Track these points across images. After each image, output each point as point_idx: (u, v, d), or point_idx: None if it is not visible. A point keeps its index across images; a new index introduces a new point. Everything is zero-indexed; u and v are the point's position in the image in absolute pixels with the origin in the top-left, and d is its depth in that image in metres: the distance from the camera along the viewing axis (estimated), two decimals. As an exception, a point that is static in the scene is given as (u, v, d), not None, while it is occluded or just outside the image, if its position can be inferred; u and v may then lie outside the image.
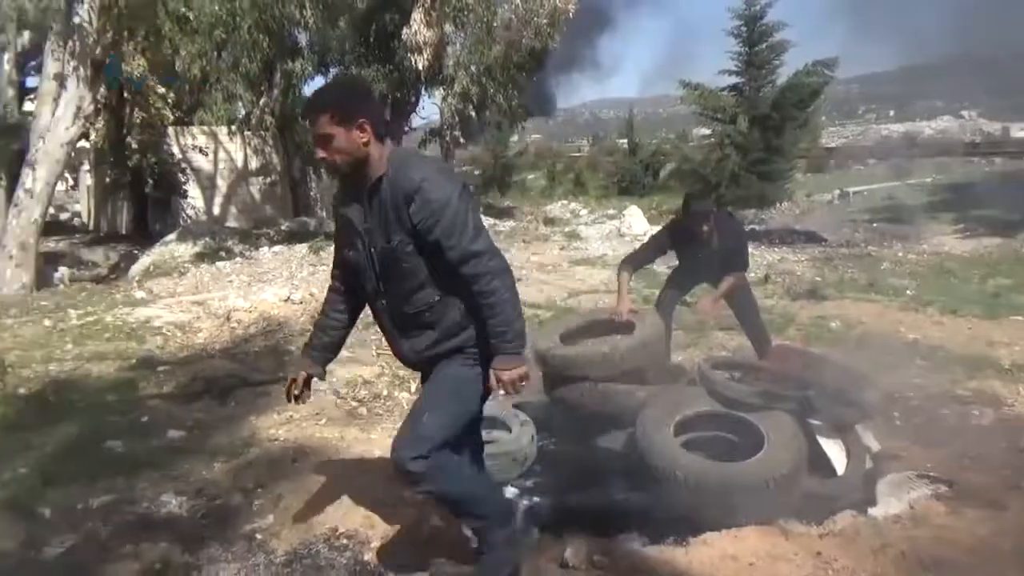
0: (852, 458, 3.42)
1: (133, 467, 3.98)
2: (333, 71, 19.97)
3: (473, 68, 17.82)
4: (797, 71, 17.95)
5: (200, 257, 12.53)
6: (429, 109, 33.00)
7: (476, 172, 29.00)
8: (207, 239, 13.57)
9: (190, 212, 18.17)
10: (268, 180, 19.59)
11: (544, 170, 31.56)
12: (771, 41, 18.35)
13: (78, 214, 22.91)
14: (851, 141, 38.06)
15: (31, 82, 17.92)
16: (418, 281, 2.37)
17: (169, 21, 13.61)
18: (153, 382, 5.74)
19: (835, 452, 3.44)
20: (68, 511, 3.44)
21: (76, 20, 11.17)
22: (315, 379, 2.76)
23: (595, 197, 23.98)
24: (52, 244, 15.65)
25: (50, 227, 14.23)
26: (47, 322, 7.89)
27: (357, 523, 3.16)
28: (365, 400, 5.25)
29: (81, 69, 11.19)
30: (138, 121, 16.04)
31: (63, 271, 12.58)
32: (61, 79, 11.39)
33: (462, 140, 20.41)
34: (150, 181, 17.09)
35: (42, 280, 11.32)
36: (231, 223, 17.83)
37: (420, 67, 17.59)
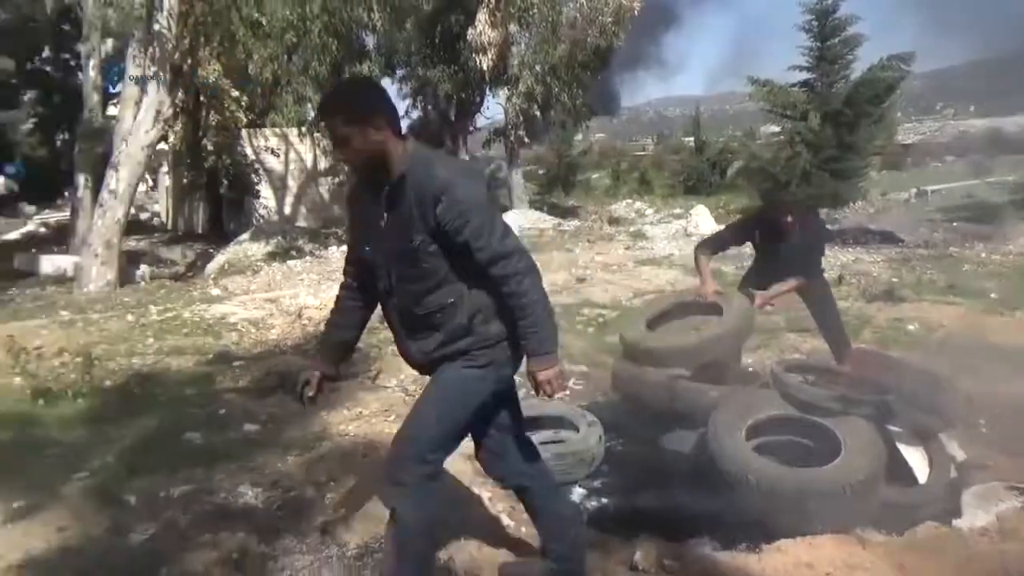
0: (935, 467, 3.30)
1: (211, 459, 4.10)
2: (400, 72, 20.30)
3: (538, 67, 17.83)
4: (871, 66, 17.35)
5: (272, 256, 12.88)
6: (493, 109, 33.13)
7: (540, 171, 29.04)
8: (279, 238, 13.93)
9: (262, 212, 18.68)
10: (336, 180, 19.98)
11: (608, 169, 31.39)
12: (844, 35, 17.78)
13: (157, 214, 23.82)
14: (928, 137, 36.72)
15: (114, 88, 18.74)
16: (434, 282, 2.31)
17: (243, 26, 13.98)
18: (229, 376, 5.93)
19: (917, 460, 3.32)
20: (151, 499, 3.57)
21: (156, 27, 11.61)
22: (335, 378, 2.71)
23: (661, 196, 23.74)
24: (133, 243, 16.30)
25: (131, 227, 14.82)
26: (130, 317, 8.23)
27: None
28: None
29: (161, 74, 11.62)
30: (213, 124, 16.51)
31: (144, 269, 13.11)
32: (142, 84, 11.86)
33: (526, 139, 20.45)
34: (225, 182, 17.62)
35: (125, 277, 11.81)
36: (301, 222, 18.28)
37: (485, 67, 17.71)
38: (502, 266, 2.24)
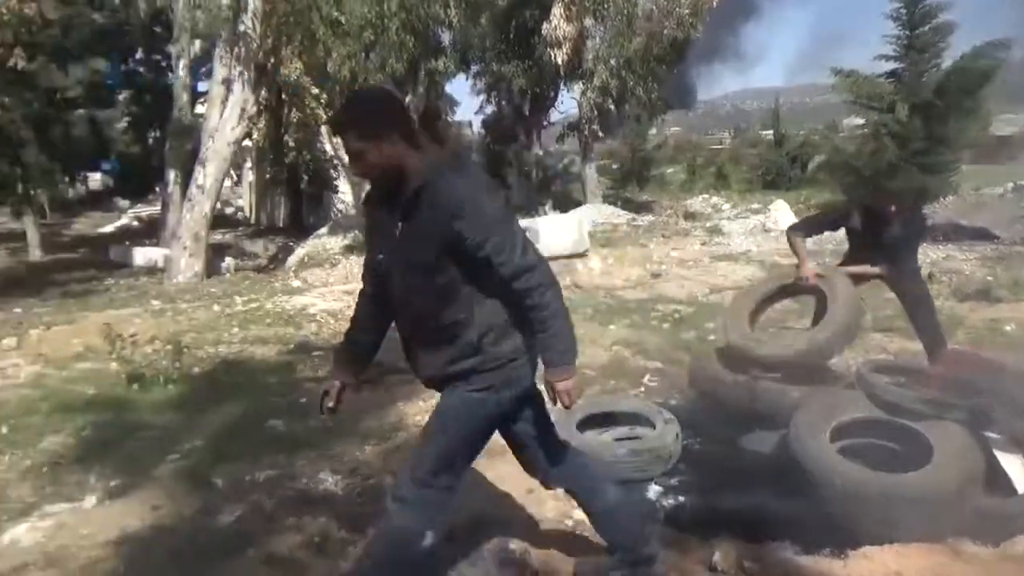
0: (1035, 475, 3.12)
1: (293, 446, 4.23)
2: (475, 68, 20.45)
3: (613, 61, 17.70)
4: (964, 54, 16.53)
5: (349, 249, 13.16)
6: (567, 103, 32.97)
7: (614, 166, 28.81)
8: (356, 232, 14.23)
9: (340, 206, 19.13)
10: (412, 176, 20.31)
11: (684, 164, 30.90)
12: (934, 23, 17.00)
13: (241, 208, 24.66)
14: (1026, 129, 34.77)
15: (202, 87, 19.49)
16: (446, 297, 2.26)
17: (323, 25, 14.33)
18: (309, 366, 6.10)
19: (1016, 469, 3.15)
20: (237, 483, 3.71)
21: (241, 28, 12.01)
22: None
23: (738, 191, 23.23)
24: (219, 236, 16.91)
25: (217, 220, 15.38)
26: (216, 307, 8.55)
27: (501, 511, 3.21)
28: (506, 391, 5.31)
29: (246, 73, 12.03)
30: (294, 121, 17.00)
31: (229, 261, 13.61)
32: (228, 83, 12.29)
33: (600, 134, 20.33)
34: (305, 177, 18.10)
35: (211, 269, 12.28)
36: (378, 217, 18.62)
37: (559, 61, 17.68)
38: (525, 279, 2.20)
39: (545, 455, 2.58)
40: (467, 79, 21.04)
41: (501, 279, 2.21)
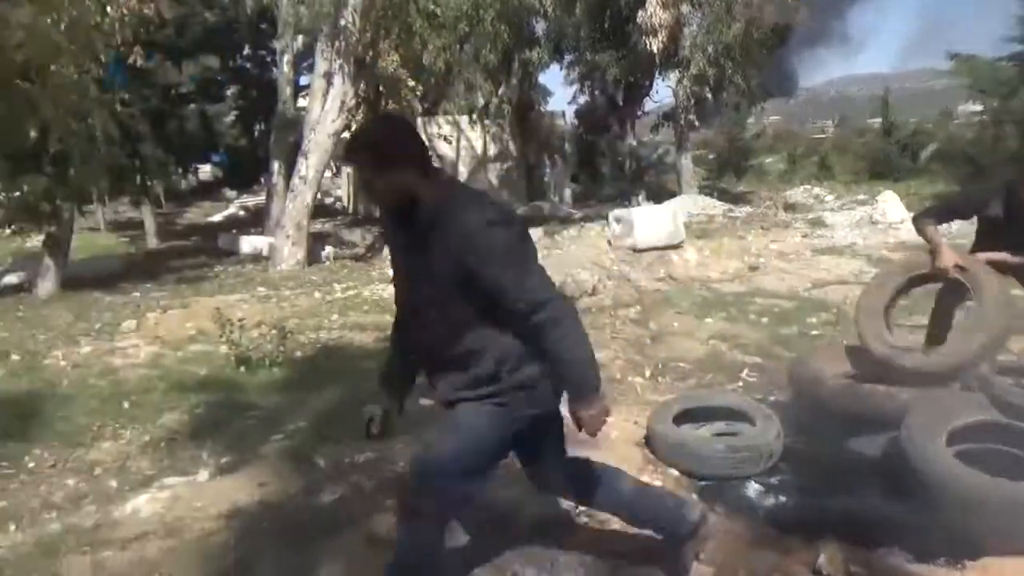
0: None
1: (389, 430, 4.33)
2: (568, 58, 20.33)
3: (710, 48, 17.23)
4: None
5: (443, 239, 13.35)
6: (662, 92, 32.34)
7: (710, 156, 28.15)
8: (449, 222, 14.41)
9: (434, 197, 19.44)
10: (505, 166, 20.42)
11: (784, 153, 29.84)
12: (1067, 0, 15.82)
13: (340, 198, 25.37)
14: None
15: (304, 81, 20.15)
16: (461, 327, 2.23)
17: (420, 18, 14.56)
18: (405, 353, 6.22)
19: None
20: (338, 464, 3.83)
21: (342, 23, 12.33)
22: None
23: (842, 182, 22.30)
24: (319, 225, 17.47)
25: (317, 210, 15.89)
26: (317, 294, 8.85)
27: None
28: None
29: (345, 67, 12.35)
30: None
31: (329, 250, 14.04)
32: (329, 77, 12.66)
33: (696, 123, 19.88)
34: (401, 168, 18.47)
35: (312, 257, 12.72)
36: (470, 207, 18.83)
37: (655, 50, 17.36)
38: (537, 316, 2.14)
39: (558, 478, 2.61)
40: (560, 69, 20.94)
41: (513, 313, 2.16)
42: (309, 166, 12.37)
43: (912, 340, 4.29)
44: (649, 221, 10.69)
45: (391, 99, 17.39)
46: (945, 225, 4.40)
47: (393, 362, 2.56)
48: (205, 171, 32.50)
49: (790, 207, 16.38)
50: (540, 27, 19.27)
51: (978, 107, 19.03)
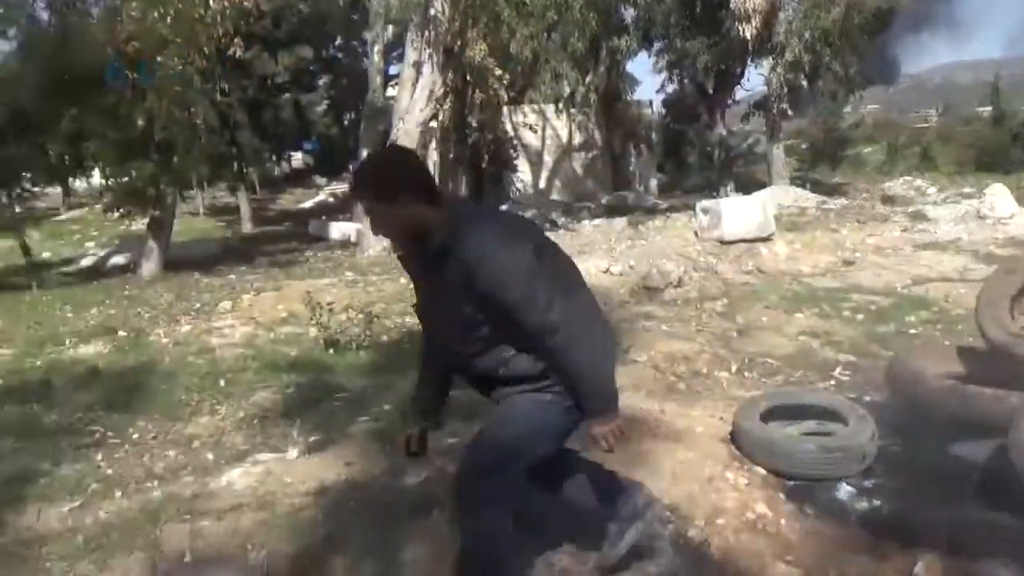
0: None
1: (470, 414, 4.35)
2: (657, 45, 19.97)
3: (807, 34, 16.59)
4: None
5: (527, 228, 13.38)
6: (754, 80, 31.44)
7: (803, 146, 27.21)
8: (534, 211, 14.46)
9: (519, 185, 19.49)
10: (590, 155, 20.28)
11: (883, 143, 28.52)
12: None
13: (425, 187, 25.77)
14: None
15: (393, 70, 20.48)
16: (481, 348, 2.26)
17: (508, 7, 14.57)
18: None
19: None
20: (422, 447, 3.89)
21: (432, 13, 12.46)
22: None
23: (946, 173, 21.18)
24: (404, 213, 17.77)
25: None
26: (402, 280, 8.98)
27: (681, 497, 3.15)
28: (684, 376, 5.21)
29: (435, 56, 12.49)
30: (478, 102, 17.45)
31: (414, 236, 14.26)
32: (418, 66, 12.83)
33: (789, 112, 19.21)
34: (486, 157, 18.58)
35: (397, 244, 12.94)
36: (555, 196, 18.82)
37: (748, 36, 16.86)
38: (547, 339, 2.15)
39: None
40: (649, 57, 20.56)
41: (527, 334, 2.17)
42: (397, 154, 12.59)
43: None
44: (738, 212, 10.42)
45: (478, 88, 17.53)
46: None
47: (424, 385, 2.62)
48: (297, 159, 33.55)
49: (889, 199, 15.66)
50: (629, 14, 18.98)
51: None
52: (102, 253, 15.80)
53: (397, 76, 17.60)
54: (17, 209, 16.16)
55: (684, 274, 8.57)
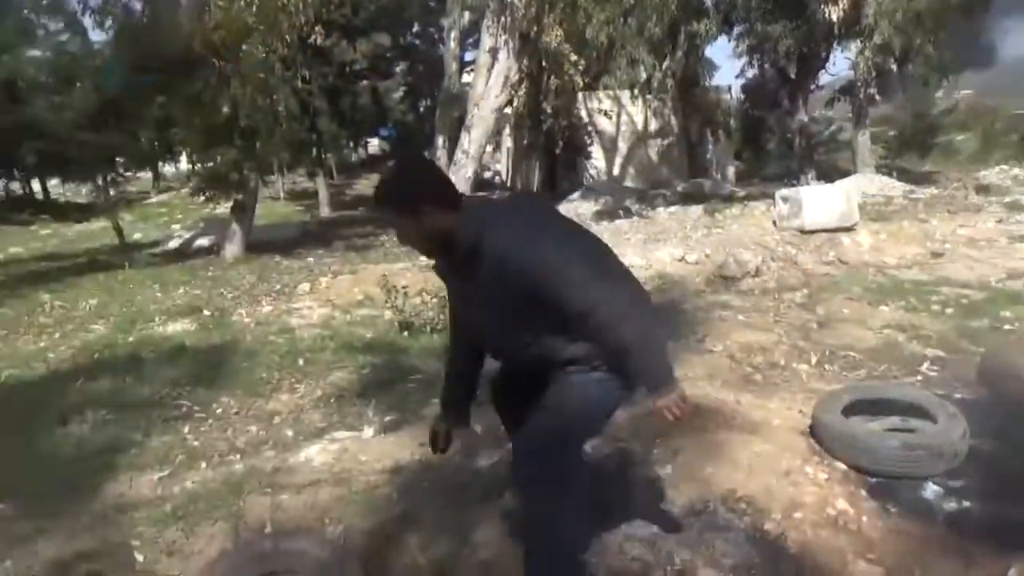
0: None
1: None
2: (737, 29, 19.46)
3: (898, 15, 15.86)
4: None
5: (600, 215, 13.30)
6: (840, 64, 30.31)
7: (890, 133, 26.12)
8: (607, 198, 14.32)
9: (592, 172, 19.35)
10: (666, 142, 19.96)
11: (977, 130, 27.11)
12: None
13: (498, 173, 25.85)
14: None
15: (469, 56, 20.59)
16: (535, 335, 2.27)
17: (584, -8, 14.43)
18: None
19: None
20: (494, 431, 3.89)
21: (508, -1, 12.43)
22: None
23: (1047, 163, 19.99)
24: (478, 199, 17.88)
25: (477, 184, 16.25)
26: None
27: (757, 490, 3.08)
28: (760, 367, 5.09)
29: (510, 42, 12.46)
30: (553, 88, 17.38)
31: (486, 222, 14.33)
32: (494, 52, 12.83)
33: (877, 97, 18.45)
34: (560, 143, 18.51)
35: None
36: (629, 183, 18.60)
37: (834, 18, 16.24)
38: (592, 319, 2.13)
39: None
40: (729, 41, 20.02)
41: (573, 320, 2.16)
42: (472, 140, 12.64)
43: None
44: (819, 201, 10.08)
45: (553, 74, 17.47)
46: None
47: (452, 385, 2.69)
48: (373, 145, 34.12)
49: (983, 189, 14.88)
50: (709, -3, 18.55)
51: None
52: (188, 235, 16.43)
53: (473, 62, 17.65)
54: (112, 193, 16.94)
55: (762, 264, 8.36)
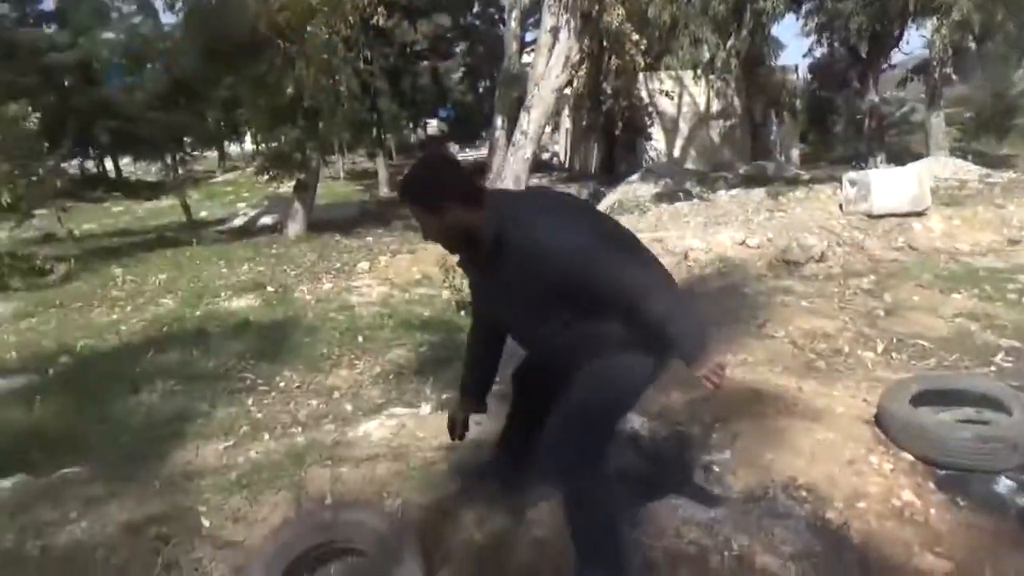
0: None
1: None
2: (807, 6, 18.87)
3: (982, -11, 15.15)
4: None
5: (660, 197, 13.12)
6: (914, 43, 29.14)
7: (967, 114, 25.07)
8: (667, 180, 14.12)
9: (652, 154, 19.08)
10: (728, 123, 19.55)
11: (1060, 112, 25.80)
12: None
13: (556, 154, 25.74)
14: None
15: (529, 37, 20.48)
16: (567, 321, 2.28)
17: (647, -30, 14.18)
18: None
19: None
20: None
21: (571, -24, 12.28)
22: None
23: None
24: (535, 180, 17.81)
25: (535, 165, 16.19)
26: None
27: (819, 478, 3.01)
28: (824, 354, 4.97)
29: (572, 22, 12.32)
30: (614, 68, 17.17)
31: (544, 204, 14.29)
32: (555, 31, 12.72)
33: (954, 77, 17.71)
34: (620, 124, 18.29)
35: (529, 211, 13.02)
36: (689, 165, 18.29)
37: (910, -7, 15.61)
38: (625, 300, 2.17)
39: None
40: (797, 19, 19.45)
41: (603, 302, 2.20)
42: (531, 121, 12.59)
43: None
44: (889, 184, 9.74)
45: (615, 54, 17.25)
46: None
47: (470, 373, 2.77)
48: (432, 126, 34.30)
49: (1065, 173, 14.21)
50: (778, -26, 18.00)
51: None
52: (252, 213, 16.83)
53: (533, 42, 17.58)
54: (179, 172, 17.42)
55: (827, 248, 8.15)
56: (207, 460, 3.65)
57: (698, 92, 19.26)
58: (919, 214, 9.43)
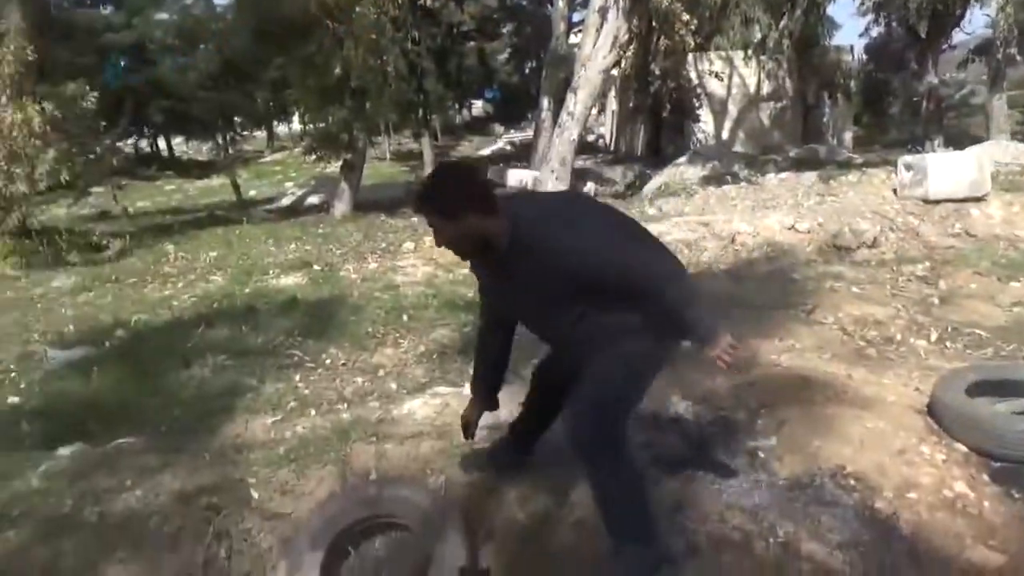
0: None
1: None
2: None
3: (1048, -34, 14.54)
4: None
5: (707, 180, 12.91)
6: (976, 22, 28.17)
7: (1028, 97, 24.13)
8: (715, 163, 13.89)
9: (700, 136, 18.77)
10: (779, 105, 19.12)
11: None
12: None
13: (602, 136, 25.52)
14: None
15: (576, 17, 20.25)
16: (567, 325, 2.37)
17: (699, -51, 13.89)
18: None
19: None
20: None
21: (620, -44, 12.10)
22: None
23: None
24: (580, 162, 17.69)
25: (580, 147, 16.08)
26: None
27: (868, 467, 2.96)
28: (875, 341, 4.86)
29: (620, 1, 12.15)
30: (662, 49, 16.90)
31: (590, 186, 14.24)
32: (603, 12, 12.57)
33: (1018, 58, 17.04)
34: (667, 105, 18.02)
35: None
36: (738, 148, 17.95)
37: (974, -29, 15.05)
38: (640, 291, 2.25)
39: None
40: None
41: (617, 294, 2.27)
42: (577, 102, 12.49)
43: None
44: (946, 169, 9.43)
45: (663, 34, 16.97)
46: None
47: (481, 372, 2.87)
48: (477, 107, 34.28)
49: None
50: (833, -49, 17.50)
51: None
52: (300, 193, 17.07)
53: (581, 23, 17.38)
54: (230, 151, 17.73)
55: (880, 234, 7.94)
56: (256, 434, 3.73)
57: (748, 73, 18.85)
58: (978, 199, 9.11)
